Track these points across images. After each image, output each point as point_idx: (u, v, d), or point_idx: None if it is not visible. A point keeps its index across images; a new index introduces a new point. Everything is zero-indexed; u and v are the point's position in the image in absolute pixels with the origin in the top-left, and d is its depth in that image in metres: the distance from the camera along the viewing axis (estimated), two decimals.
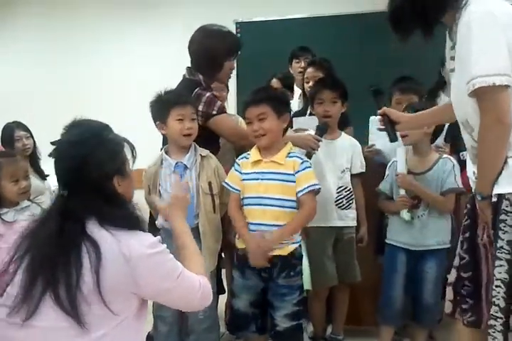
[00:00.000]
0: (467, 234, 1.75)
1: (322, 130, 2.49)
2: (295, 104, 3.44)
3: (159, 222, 2.25)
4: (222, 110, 2.41)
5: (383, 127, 2.09)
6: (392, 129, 2.06)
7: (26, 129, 3.41)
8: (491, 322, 1.55)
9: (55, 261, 1.26)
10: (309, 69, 3.14)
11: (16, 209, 2.31)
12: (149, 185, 2.30)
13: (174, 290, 1.36)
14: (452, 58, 1.69)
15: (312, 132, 2.50)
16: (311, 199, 2.14)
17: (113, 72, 4.80)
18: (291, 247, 2.12)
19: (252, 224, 2.16)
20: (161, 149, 2.36)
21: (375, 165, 2.70)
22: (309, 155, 2.42)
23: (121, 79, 4.74)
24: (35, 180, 3.00)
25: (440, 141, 2.73)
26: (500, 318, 1.53)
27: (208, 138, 2.36)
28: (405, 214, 2.38)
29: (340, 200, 2.58)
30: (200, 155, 2.29)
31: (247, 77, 4.42)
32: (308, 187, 2.11)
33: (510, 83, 1.48)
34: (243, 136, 2.39)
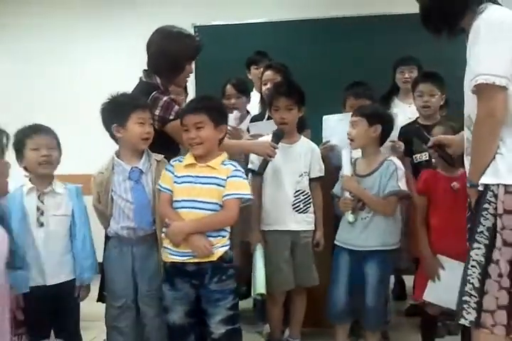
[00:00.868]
0: (469, 225, 1.88)
1: (278, 136, 2.49)
2: (254, 108, 3.45)
3: (110, 229, 2.22)
4: (179, 115, 2.38)
5: (439, 154, 2.25)
6: (447, 154, 2.21)
7: None
8: (466, 298, 1.72)
9: None
10: (267, 72, 3.15)
11: None
12: (99, 191, 2.22)
13: None
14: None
15: (269, 137, 2.50)
16: (233, 206, 2.09)
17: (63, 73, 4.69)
18: (220, 251, 2.09)
19: None
20: (116, 154, 2.28)
21: (333, 168, 2.74)
22: (266, 162, 2.43)
23: (69, 80, 4.64)
24: None
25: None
26: (474, 296, 1.70)
27: (165, 142, 2.33)
28: (349, 216, 2.41)
29: (298, 204, 2.59)
30: (156, 160, 2.26)
31: (205, 81, 4.41)
32: (235, 194, 2.09)
33: (507, 85, 1.67)
34: None
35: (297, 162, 2.63)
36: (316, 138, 2.84)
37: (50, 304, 2.17)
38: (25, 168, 2.22)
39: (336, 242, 2.51)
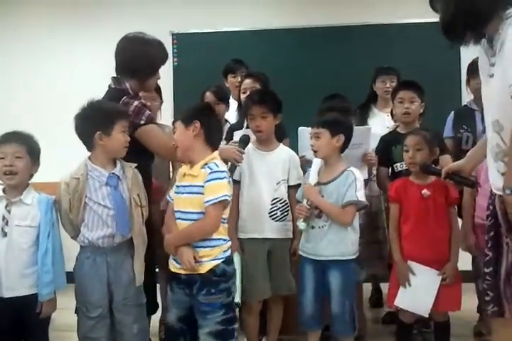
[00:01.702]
0: (492, 233, 1.90)
1: (243, 142, 2.52)
2: (232, 116, 3.45)
3: (83, 238, 2.18)
4: (150, 120, 2.36)
5: (457, 182, 2.31)
6: (464, 179, 2.29)
7: None
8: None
9: None
10: (247, 81, 3.15)
11: None
12: (71, 198, 2.17)
13: None
14: (492, 65, 1.83)
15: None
16: (211, 212, 2.03)
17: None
18: (210, 264, 2.05)
19: None
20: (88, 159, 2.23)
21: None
22: (234, 167, 2.43)
23: (46, 87, 4.61)
24: None
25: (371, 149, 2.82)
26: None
27: (138, 149, 2.30)
28: (300, 224, 2.41)
29: (275, 212, 2.59)
30: (130, 167, 2.25)
31: (183, 88, 4.41)
32: (212, 199, 2.02)
33: None
34: (172, 149, 2.36)
35: (275, 169, 2.63)
36: (295, 146, 2.84)
37: (11, 316, 2.11)
38: None
39: (299, 252, 2.52)
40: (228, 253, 2.13)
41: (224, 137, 2.99)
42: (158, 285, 2.75)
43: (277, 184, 2.62)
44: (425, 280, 2.46)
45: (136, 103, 2.33)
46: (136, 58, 2.42)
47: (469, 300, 3.05)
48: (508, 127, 1.76)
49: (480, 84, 2.98)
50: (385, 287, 3.30)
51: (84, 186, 2.16)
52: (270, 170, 2.62)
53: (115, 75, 2.47)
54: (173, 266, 2.12)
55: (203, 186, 2.06)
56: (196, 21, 4.51)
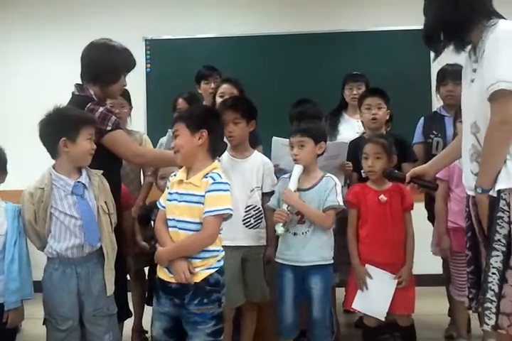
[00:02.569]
0: (469, 234, 2.00)
1: None
2: None
3: (50, 250, 2.13)
4: (116, 126, 2.34)
5: (420, 185, 2.31)
6: (428, 182, 2.31)
7: None
8: (487, 305, 1.77)
9: None
10: (224, 85, 3.11)
11: None
12: (35, 209, 2.11)
13: None
14: (474, 70, 1.93)
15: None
16: (210, 224, 1.99)
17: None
18: (204, 273, 2.00)
19: None
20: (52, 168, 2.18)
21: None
22: None
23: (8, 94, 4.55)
24: None
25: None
26: (495, 302, 1.76)
27: (105, 155, 2.27)
28: (279, 228, 2.39)
29: (248, 219, 2.58)
30: (96, 174, 2.21)
31: (156, 94, 4.39)
32: (211, 211, 1.97)
33: None
34: (138, 154, 2.35)
35: (249, 177, 2.62)
36: (269, 153, 2.84)
37: None
38: None
39: (277, 260, 2.52)
40: (222, 262, 2.07)
41: None
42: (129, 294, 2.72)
43: (251, 191, 2.61)
44: (381, 284, 2.51)
45: (101, 109, 2.31)
46: (98, 64, 2.40)
47: (440, 304, 3.10)
48: (483, 130, 1.84)
49: (451, 91, 3.10)
50: None
51: (49, 196, 2.10)
52: (244, 177, 2.61)
53: (80, 82, 2.44)
54: (165, 275, 2.03)
55: (203, 196, 2.00)
56: (169, 27, 4.49)
